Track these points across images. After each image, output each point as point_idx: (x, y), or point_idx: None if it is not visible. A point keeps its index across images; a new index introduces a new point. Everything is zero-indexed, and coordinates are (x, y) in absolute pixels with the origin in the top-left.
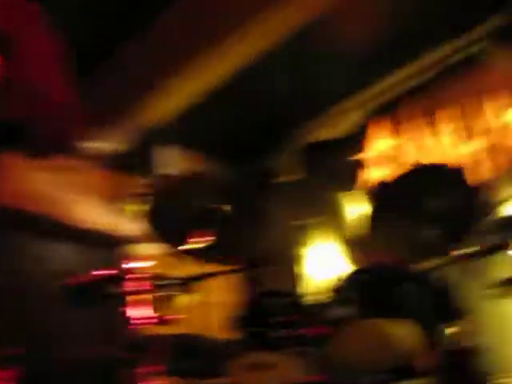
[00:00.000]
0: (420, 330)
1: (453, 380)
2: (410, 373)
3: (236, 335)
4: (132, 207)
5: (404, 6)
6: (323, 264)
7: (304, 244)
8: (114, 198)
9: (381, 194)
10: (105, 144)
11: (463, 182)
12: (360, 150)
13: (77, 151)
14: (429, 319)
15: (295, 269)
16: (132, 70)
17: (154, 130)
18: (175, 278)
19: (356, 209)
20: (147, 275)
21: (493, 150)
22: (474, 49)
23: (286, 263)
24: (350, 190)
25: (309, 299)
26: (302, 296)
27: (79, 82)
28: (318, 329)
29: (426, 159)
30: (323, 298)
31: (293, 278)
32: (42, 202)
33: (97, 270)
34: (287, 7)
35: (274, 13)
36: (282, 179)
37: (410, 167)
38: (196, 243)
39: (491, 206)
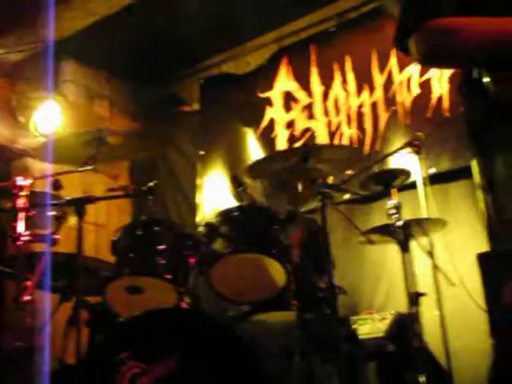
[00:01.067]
0: (285, 267)
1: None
2: (277, 303)
3: (116, 259)
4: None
5: None
6: (219, 195)
7: (203, 175)
8: (12, 110)
9: None
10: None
11: None
12: (268, 87)
13: None
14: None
15: (193, 198)
16: None
17: (57, 43)
18: (66, 200)
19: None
20: (38, 193)
21: (390, 102)
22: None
23: (184, 192)
24: (253, 127)
25: (197, 230)
26: (190, 227)
27: None
28: (198, 259)
29: (330, 105)
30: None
31: (191, 207)
32: None
33: None
34: None
35: None
36: (186, 108)
37: None
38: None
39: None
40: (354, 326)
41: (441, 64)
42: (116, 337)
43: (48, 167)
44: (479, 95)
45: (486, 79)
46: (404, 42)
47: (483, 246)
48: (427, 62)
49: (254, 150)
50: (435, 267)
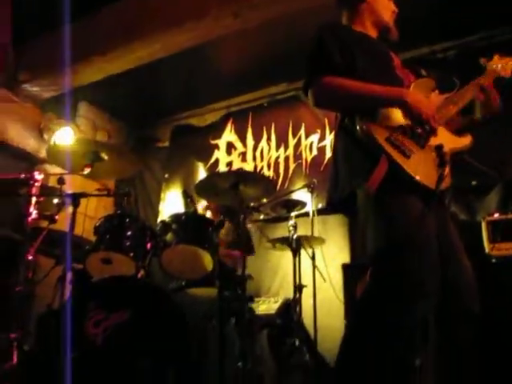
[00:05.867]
0: (213, 258)
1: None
2: (205, 282)
3: (96, 238)
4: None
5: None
6: (175, 205)
7: (166, 190)
8: (40, 130)
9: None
10: (40, 89)
11: None
12: (217, 137)
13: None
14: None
15: (157, 206)
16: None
17: (77, 89)
18: (66, 193)
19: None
20: (47, 186)
21: (297, 157)
22: (298, 92)
23: (152, 201)
24: (204, 162)
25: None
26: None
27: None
28: (154, 245)
29: (258, 154)
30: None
31: (155, 213)
32: None
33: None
34: (182, 34)
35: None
36: (159, 144)
37: None
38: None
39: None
40: (255, 305)
41: (326, 107)
42: (88, 290)
43: (58, 170)
44: (348, 136)
45: (358, 125)
46: (307, 92)
47: (346, 258)
48: (318, 105)
49: (201, 178)
50: (314, 267)
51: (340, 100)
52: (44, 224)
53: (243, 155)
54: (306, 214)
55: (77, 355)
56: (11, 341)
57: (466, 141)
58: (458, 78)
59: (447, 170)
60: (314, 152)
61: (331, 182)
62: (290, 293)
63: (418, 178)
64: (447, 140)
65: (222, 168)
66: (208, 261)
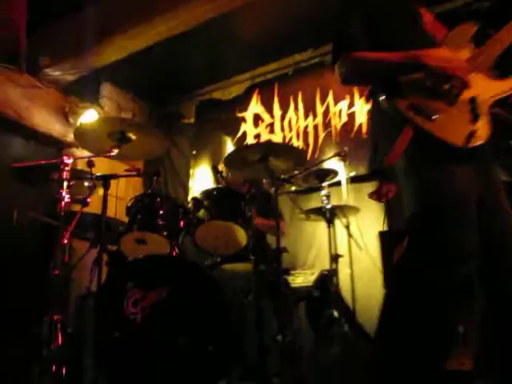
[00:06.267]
0: (247, 232)
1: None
2: (240, 257)
3: (129, 219)
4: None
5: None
6: (204, 181)
7: (195, 167)
8: (65, 114)
9: None
10: (63, 73)
11: None
12: (243, 109)
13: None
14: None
15: (187, 183)
16: (92, 26)
17: (100, 70)
18: (96, 175)
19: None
20: (76, 170)
21: (326, 125)
22: (323, 58)
23: (181, 179)
24: (231, 136)
25: (187, 203)
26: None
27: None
28: (186, 222)
29: (286, 124)
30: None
31: (185, 190)
32: (8, 106)
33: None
34: (201, 6)
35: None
36: (185, 120)
37: None
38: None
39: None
40: (291, 277)
41: (352, 84)
42: (125, 271)
43: (86, 153)
44: (378, 111)
45: (381, 98)
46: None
47: (382, 227)
48: (344, 83)
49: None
50: (350, 237)
51: (363, 75)
52: (77, 208)
53: (271, 126)
54: (339, 184)
55: (118, 335)
56: (55, 323)
57: (510, 83)
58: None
59: (479, 124)
60: (344, 119)
61: (370, 153)
62: (326, 264)
63: (442, 136)
64: (487, 88)
65: (250, 141)
66: (242, 236)
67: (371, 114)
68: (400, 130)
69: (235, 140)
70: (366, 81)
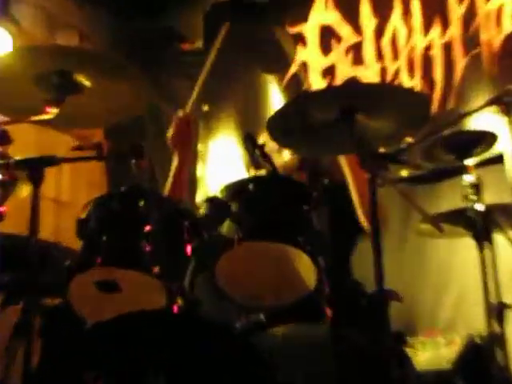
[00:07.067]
0: (316, 262)
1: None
2: (303, 314)
3: (84, 243)
4: None
5: None
6: (228, 164)
7: (208, 137)
8: None
9: None
10: None
11: None
12: (299, 20)
13: None
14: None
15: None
16: None
17: None
18: (15, 160)
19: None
20: None
21: (471, 42)
22: None
23: None
24: (276, 72)
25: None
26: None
27: None
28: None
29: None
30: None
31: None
32: None
33: None
34: None
35: None
36: (186, 46)
37: None
38: None
39: None
40: (409, 350)
41: None
42: (80, 350)
43: None
44: None
45: None
46: None
47: None
48: None
49: (276, 107)
50: None
51: None
52: None
53: (356, 50)
54: (499, 160)
55: None
56: None
57: None
58: None
59: None
60: (508, 27)
61: None
62: (478, 322)
63: None
64: None
65: (315, 81)
66: (307, 270)
67: None
68: None
69: (285, 81)
70: None
